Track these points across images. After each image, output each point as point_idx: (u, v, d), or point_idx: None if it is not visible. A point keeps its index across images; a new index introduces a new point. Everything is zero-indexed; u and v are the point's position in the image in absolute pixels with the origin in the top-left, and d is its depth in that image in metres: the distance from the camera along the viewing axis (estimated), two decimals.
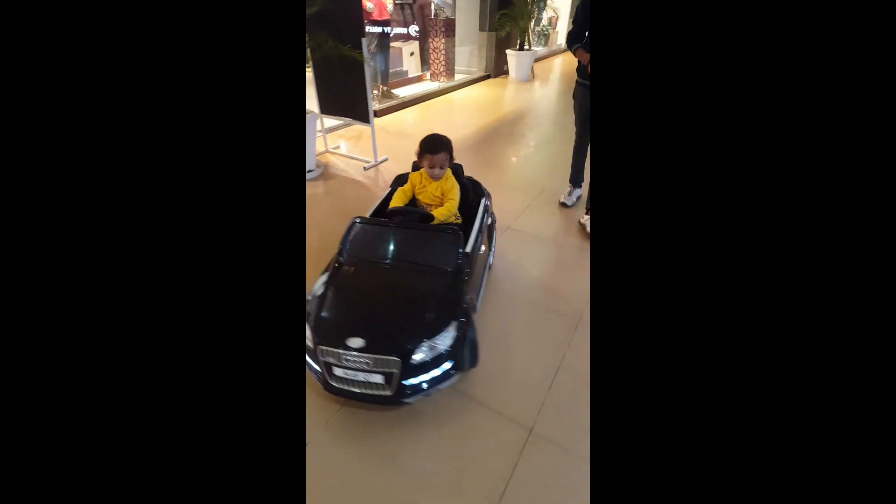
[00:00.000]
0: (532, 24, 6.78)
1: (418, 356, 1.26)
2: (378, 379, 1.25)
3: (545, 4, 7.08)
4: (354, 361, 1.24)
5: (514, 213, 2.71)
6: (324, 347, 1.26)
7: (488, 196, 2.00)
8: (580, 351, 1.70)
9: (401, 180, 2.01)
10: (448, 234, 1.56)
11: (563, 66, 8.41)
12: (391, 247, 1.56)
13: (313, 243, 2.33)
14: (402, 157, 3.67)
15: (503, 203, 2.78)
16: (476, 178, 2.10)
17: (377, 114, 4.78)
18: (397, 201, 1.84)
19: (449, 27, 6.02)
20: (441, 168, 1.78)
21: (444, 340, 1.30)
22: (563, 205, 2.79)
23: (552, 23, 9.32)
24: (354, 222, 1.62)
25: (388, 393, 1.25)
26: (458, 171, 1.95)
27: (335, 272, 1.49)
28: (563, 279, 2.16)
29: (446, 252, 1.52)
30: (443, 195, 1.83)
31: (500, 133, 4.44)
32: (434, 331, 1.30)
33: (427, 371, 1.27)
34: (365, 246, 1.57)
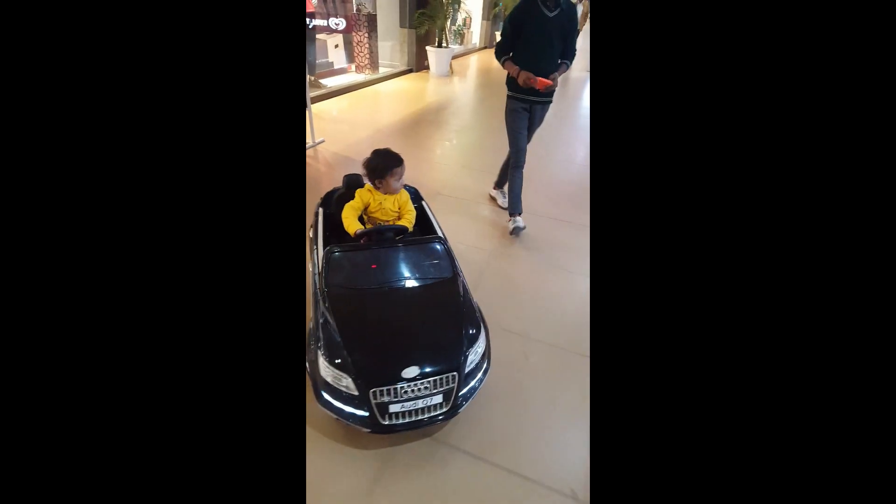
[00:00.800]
0: (448, 23, 7.35)
1: (469, 363, 1.30)
2: (438, 399, 1.25)
3: (459, 6, 7.69)
4: (413, 391, 1.21)
5: (442, 183, 3.20)
6: (378, 389, 1.19)
7: (422, 198, 2.07)
8: (519, 269, 2.27)
9: (329, 200, 1.92)
10: (436, 243, 1.58)
11: (479, 62, 9.13)
12: (387, 269, 1.49)
13: None
14: (336, 139, 3.99)
15: (433, 175, 3.30)
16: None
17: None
18: (353, 220, 1.70)
19: (371, 22, 6.35)
20: (400, 180, 1.76)
21: (482, 344, 1.37)
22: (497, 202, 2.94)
23: (466, 23, 10.01)
24: (333, 252, 1.48)
25: (445, 409, 1.27)
26: None
27: (337, 309, 1.33)
28: (481, 229, 2.72)
29: (440, 260, 1.54)
30: (400, 209, 1.81)
31: (426, 120, 4.92)
32: (472, 339, 1.34)
33: (475, 376, 1.33)
34: (357, 275, 1.45)
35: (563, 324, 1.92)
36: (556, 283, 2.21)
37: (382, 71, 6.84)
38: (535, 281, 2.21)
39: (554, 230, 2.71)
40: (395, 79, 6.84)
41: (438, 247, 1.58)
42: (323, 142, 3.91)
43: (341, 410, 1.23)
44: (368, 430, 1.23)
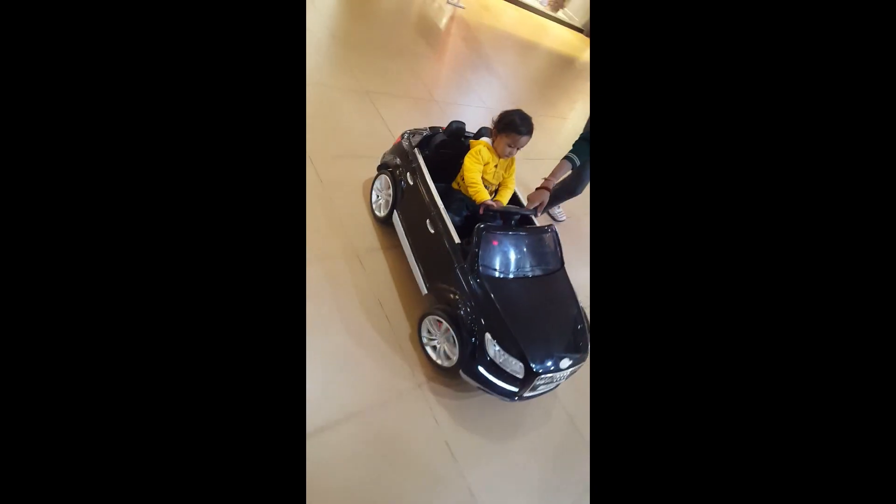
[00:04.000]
0: None
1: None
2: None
3: None
4: (561, 375, 1.38)
5: None
6: (541, 377, 1.31)
7: None
8: None
9: (426, 143, 1.75)
10: (549, 234, 1.61)
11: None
12: (526, 256, 1.53)
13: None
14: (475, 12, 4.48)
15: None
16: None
17: None
18: (481, 183, 1.61)
19: None
20: (518, 149, 1.64)
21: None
22: None
23: None
24: (487, 232, 1.44)
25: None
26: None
27: (499, 296, 1.38)
28: None
29: (554, 251, 1.60)
30: (505, 175, 1.72)
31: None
32: (586, 326, 1.51)
33: None
34: (506, 260, 1.48)
35: None
36: None
37: None
38: None
39: None
40: None
41: (552, 236, 1.62)
42: (463, 8, 4.48)
43: (492, 384, 1.35)
44: (508, 400, 1.38)
